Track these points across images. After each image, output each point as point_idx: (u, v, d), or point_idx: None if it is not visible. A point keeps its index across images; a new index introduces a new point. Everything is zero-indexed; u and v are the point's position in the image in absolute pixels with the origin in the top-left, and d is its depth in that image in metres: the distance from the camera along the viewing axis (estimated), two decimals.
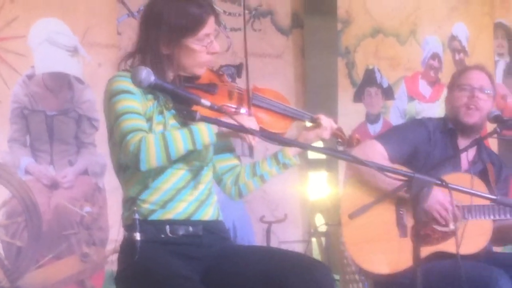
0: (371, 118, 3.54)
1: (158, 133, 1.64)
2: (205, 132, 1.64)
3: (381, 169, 1.90)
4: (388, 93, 3.53)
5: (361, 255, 2.29)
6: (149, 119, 1.67)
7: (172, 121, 1.71)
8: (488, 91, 2.31)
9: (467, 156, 2.31)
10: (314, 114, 2.02)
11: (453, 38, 3.88)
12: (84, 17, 3.14)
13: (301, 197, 3.46)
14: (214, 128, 1.64)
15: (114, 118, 1.63)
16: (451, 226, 2.17)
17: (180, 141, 1.62)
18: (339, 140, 1.90)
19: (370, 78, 3.58)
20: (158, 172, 1.71)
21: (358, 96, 3.56)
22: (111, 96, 1.64)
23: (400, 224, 2.26)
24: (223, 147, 1.87)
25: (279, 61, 3.45)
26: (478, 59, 3.75)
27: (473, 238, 2.14)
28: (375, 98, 3.56)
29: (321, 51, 3.50)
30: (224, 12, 3.10)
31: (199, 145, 1.62)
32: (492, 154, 2.50)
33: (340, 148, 2.22)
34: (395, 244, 2.23)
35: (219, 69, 1.88)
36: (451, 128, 2.30)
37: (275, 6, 3.48)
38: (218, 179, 1.87)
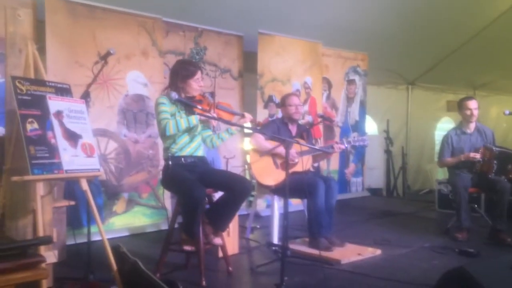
0: (271, 115, 5.86)
1: (175, 120, 3.23)
2: (193, 120, 3.28)
3: (273, 136, 3.86)
4: (278, 105, 5.53)
5: (261, 178, 4.25)
6: (174, 114, 3.35)
7: (183, 115, 3.36)
8: (300, 105, 4.40)
9: (293, 131, 4.34)
10: (244, 112, 3.61)
11: (305, 83, 6.30)
12: (149, 69, 5.07)
13: (241, 148, 5.76)
14: (197, 118, 3.26)
15: (158, 113, 3.30)
16: (296, 160, 4.13)
17: (183, 123, 3.25)
18: (254, 122, 3.62)
19: (270, 99, 5.91)
20: (178, 136, 3.32)
21: (266, 106, 5.86)
22: (156, 105, 3.33)
23: (275, 163, 4.25)
24: (205, 127, 3.54)
25: (233, 91, 5.77)
26: (315, 92, 6.40)
27: (306, 163, 4.12)
28: (272, 107, 5.88)
29: (250, 87, 5.83)
30: (210, 70, 5.55)
31: (191, 124, 3.28)
32: (303, 127, 4.50)
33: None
34: (274, 172, 4.19)
35: (204, 93, 3.81)
36: (286, 121, 4.39)
37: (231, 67, 5.75)
38: (203, 140, 3.59)
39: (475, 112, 4.85)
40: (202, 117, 3.35)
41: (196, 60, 5.55)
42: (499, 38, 7.03)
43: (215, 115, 3.39)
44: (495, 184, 4.68)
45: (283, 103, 4.45)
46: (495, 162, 4.76)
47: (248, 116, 3.54)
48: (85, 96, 3.37)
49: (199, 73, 3.45)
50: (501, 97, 9.79)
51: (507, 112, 4.68)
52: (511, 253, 2.96)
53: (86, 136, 3.07)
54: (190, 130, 3.42)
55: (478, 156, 4.74)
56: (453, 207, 5.04)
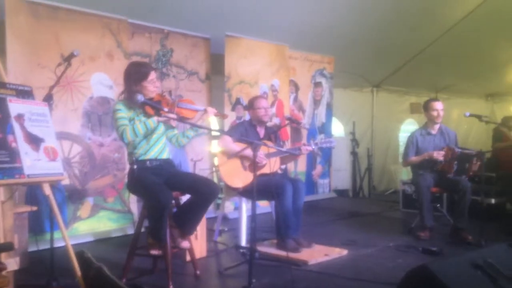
0: (239, 118, 5.92)
1: (132, 126, 3.22)
2: (151, 124, 3.25)
3: (241, 139, 3.99)
4: (245, 107, 5.63)
5: (229, 180, 4.26)
6: (133, 119, 3.31)
7: (143, 118, 3.32)
8: (269, 107, 4.43)
9: (261, 134, 4.38)
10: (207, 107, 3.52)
11: (272, 86, 6.43)
12: (115, 71, 4.90)
13: (209, 150, 5.79)
14: (155, 121, 3.23)
15: (115, 120, 3.29)
16: (264, 162, 4.15)
17: (140, 128, 3.24)
18: (218, 115, 3.61)
19: (238, 101, 5.97)
20: (140, 140, 3.31)
21: (233, 108, 5.93)
22: (113, 112, 3.32)
23: (243, 165, 4.28)
24: (169, 127, 3.50)
25: (200, 93, 5.75)
26: (282, 94, 6.52)
27: (274, 165, 4.17)
28: (240, 110, 5.97)
29: (218, 90, 5.90)
30: (177, 72, 5.53)
31: (149, 127, 3.24)
32: (270, 129, 4.58)
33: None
34: (242, 174, 4.23)
35: (163, 92, 3.63)
36: (254, 124, 4.40)
37: (198, 70, 5.76)
38: (169, 140, 3.56)
39: (441, 113, 5.03)
40: (162, 119, 3.31)
41: (162, 62, 5.52)
42: (459, 42, 7.28)
43: (174, 115, 3.32)
44: (457, 183, 4.83)
45: (251, 106, 4.45)
46: (456, 162, 4.90)
47: (211, 110, 3.52)
48: (48, 99, 3.29)
49: (152, 73, 3.38)
50: (462, 100, 10.08)
51: (467, 114, 4.84)
52: (472, 251, 3.06)
53: (49, 139, 3.00)
54: (151, 133, 3.38)
55: (441, 155, 4.87)
56: (417, 207, 5.14)
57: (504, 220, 5.48)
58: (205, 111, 3.52)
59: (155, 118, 3.26)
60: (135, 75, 3.34)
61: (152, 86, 3.38)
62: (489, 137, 7.96)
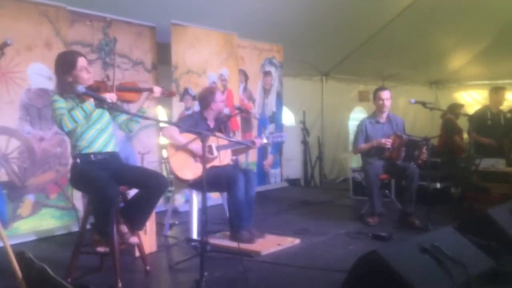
0: (187, 108, 5.80)
1: (69, 113, 3.07)
2: (88, 107, 3.10)
3: (189, 130, 3.84)
4: (194, 98, 5.77)
5: (179, 172, 4.15)
6: (72, 109, 3.11)
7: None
8: (224, 100, 4.51)
9: (211, 125, 4.32)
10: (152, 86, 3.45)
11: (221, 75, 6.32)
12: (53, 61, 4.11)
13: (157, 143, 5.62)
14: (92, 104, 3.08)
15: (53, 111, 3.15)
16: (215, 154, 4.09)
17: (78, 114, 3.08)
18: (165, 94, 3.55)
19: (186, 91, 5.85)
20: (83, 131, 3.17)
21: (182, 98, 5.79)
22: (51, 104, 3.18)
23: (194, 157, 4.19)
24: (116, 114, 3.38)
25: (146, 84, 5.29)
26: (232, 84, 6.42)
27: (225, 157, 4.21)
28: (188, 100, 5.84)
29: (165, 80, 5.63)
30: (122, 62, 5.31)
31: (87, 111, 3.10)
32: (221, 120, 4.47)
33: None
34: (193, 165, 4.15)
35: (103, 78, 3.41)
36: (205, 117, 4.34)
37: (143, 59, 5.55)
38: (119, 126, 3.44)
39: (387, 103, 5.11)
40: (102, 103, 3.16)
41: (105, 52, 5.29)
42: (403, 31, 7.47)
43: (114, 98, 3.20)
44: (405, 170, 4.93)
45: (212, 99, 4.33)
46: (403, 149, 5.00)
47: (157, 89, 3.42)
48: None
49: (80, 60, 3.22)
50: (408, 87, 10.34)
51: (412, 101, 4.94)
52: (419, 235, 3.13)
53: None
54: (93, 119, 3.26)
55: (389, 142, 4.95)
56: (366, 194, 5.22)
57: (449, 204, 5.65)
58: (151, 90, 3.40)
59: (92, 101, 3.12)
60: (63, 65, 3.21)
61: (85, 73, 3.22)
62: (434, 123, 8.23)
